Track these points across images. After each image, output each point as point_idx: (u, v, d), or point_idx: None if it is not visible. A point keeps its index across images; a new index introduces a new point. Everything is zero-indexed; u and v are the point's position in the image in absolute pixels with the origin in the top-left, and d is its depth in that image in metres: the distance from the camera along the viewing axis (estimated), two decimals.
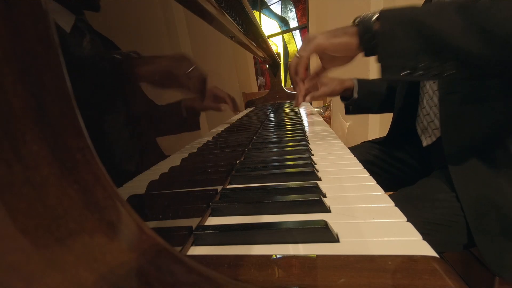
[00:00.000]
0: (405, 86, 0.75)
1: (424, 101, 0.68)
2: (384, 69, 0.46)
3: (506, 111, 0.53)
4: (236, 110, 0.83)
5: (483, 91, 0.54)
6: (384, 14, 0.45)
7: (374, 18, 0.46)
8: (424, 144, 0.69)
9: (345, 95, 0.85)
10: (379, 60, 0.46)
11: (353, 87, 0.84)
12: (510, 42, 0.39)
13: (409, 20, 0.43)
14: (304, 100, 0.68)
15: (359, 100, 0.83)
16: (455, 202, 0.53)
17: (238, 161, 0.51)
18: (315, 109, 1.23)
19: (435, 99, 0.63)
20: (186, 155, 0.42)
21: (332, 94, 0.84)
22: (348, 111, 0.90)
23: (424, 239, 0.24)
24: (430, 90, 0.66)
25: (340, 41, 0.50)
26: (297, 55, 0.56)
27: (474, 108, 0.55)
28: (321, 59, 0.59)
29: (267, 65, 1.64)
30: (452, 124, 0.58)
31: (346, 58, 0.54)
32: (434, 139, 0.66)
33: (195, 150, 0.47)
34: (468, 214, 0.50)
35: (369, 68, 1.78)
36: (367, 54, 0.49)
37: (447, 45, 0.41)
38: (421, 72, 0.44)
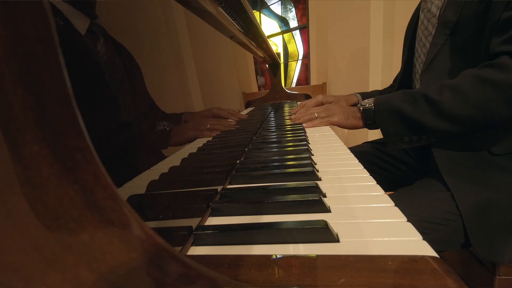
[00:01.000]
0: (400, 86, 0.82)
1: None
2: (389, 143, 0.64)
3: None
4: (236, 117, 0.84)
5: None
6: (376, 108, 0.66)
7: (372, 108, 0.67)
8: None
9: None
10: (384, 138, 0.65)
11: (358, 102, 0.95)
12: (462, 122, 0.55)
13: (392, 111, 0.62)
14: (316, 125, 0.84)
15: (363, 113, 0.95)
16: (452, 201, 0.53)
17: (238, 161, 0.51)
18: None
19: None
20: (186, 155, 0.42)
21: None
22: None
23: (422, 238, 0.24)
24: (416, 83, 0.73)
25: (351, 123, 0.73)
26: (315, 116, 0.80)
27: None
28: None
29: (267, 65, 1.64)
30: None
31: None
32: None
33: (195, 150, 0.47)
34: (463, 211, 0.51)
35: (369, 67, 1.78)
36: (371, 129, 0.71)
37: (421, 127, 0.59)
38: (416, 141, 0.61)
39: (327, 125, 0.77)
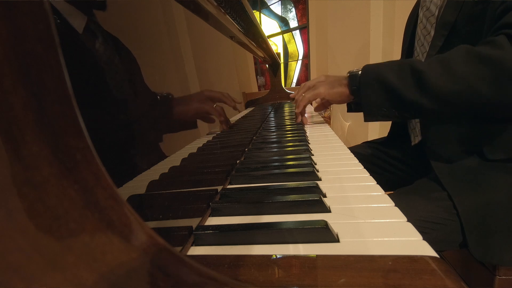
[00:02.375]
0: None
1: None
2: (365, 114, 0.61)
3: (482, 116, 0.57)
4: (236, 109, 0.85)
5: None
6: (363, 73, 0.61)
7: (359, 73, 0.62)
8: (412, 143, 0.74)
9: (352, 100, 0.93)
10: (362, 107, 0.61)
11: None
12: (446, 100, 0.52)
13: (377, 79, 0.58)
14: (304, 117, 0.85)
15: None
16: (451, 201, 0.53)
17: (238, 161, 0.51)
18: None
19: None
20: (186, 155, 0.42)
21: (339, 103, 0.94)
22: (350, 109, 0.94)
23: (422, 238, 0.24)
24: None
25: (336, 91, 0.68)
26: (301, 96, 0.75)
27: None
28: (320, 103, 0.79)
29: (267, 65, 1.64)
30: (431, 127, 0.63)
31: (340, 102, 0.72)
32: (420, 138, 0.70)
33: (195, 150, 0.47)
34: (461, 212, 0.51)
35: None
36: (356, 100, 0.65)
37: (403, 100, 0.55)
38: (394, 115, 0.58)
39: (315, 98, 0.73)
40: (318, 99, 0.86)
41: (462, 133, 0.59)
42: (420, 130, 0.67)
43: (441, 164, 0.59)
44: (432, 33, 0.65)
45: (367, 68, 0.61)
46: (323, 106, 0.82)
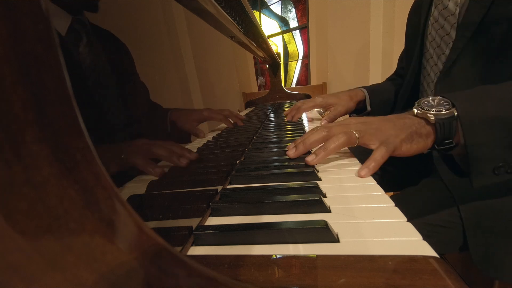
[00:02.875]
0: (407, 89, 0.73)
1: None
2: (476, 174, 0.40)
3: None
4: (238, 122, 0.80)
5: None
6: (464, 114, 0.38)
7: (452, 116, 0.39)
8: None
9: (358, 107, 0.82)
10: (469, 166, 0.40)
11: (364, 99, 0.80)
12: None
13: (498, 120, 0.37)
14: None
15: (372, 112, 0.80)
16: (453, 203, 0.53)
17: (238, 161, 0.51)
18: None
19: None
20: None
21: (347, 112, 0.80)
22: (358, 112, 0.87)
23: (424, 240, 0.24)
24: (429, 91, 0.66)
25: (417, 148, 0.42)
26: (356, 136, 0.44)
27: None
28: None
29: (267, 65, 1.64)
30: None
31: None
32: None
33: (195, 150, 0.47)
34: (464, 216, 0.51)
35: (369, 68, 1.78)
36: (444, 152, 0.43)
37: None
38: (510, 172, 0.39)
39: (387, 157, 0.42)
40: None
41: None
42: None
43: (446, 168, 0.56)
44: (453, 34, 0.56)
45: (467, 106, 0.39)
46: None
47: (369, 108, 0.80)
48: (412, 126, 0.42)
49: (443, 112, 0.40)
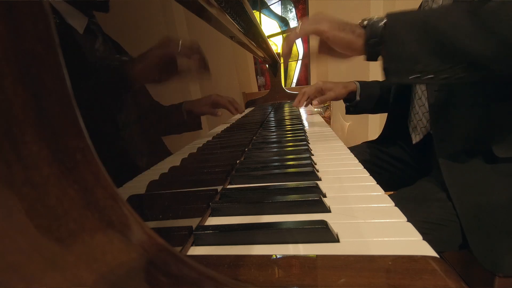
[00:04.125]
0: (399, 87, 0.78)
1: (414, 100, 0.70)
2: (391, 73, 0.46)
3: (494, 110, 0.54)
4: (237, 112, 0.86)
5: (471, 90, 0.55)
6: (391, 17, 0.45)
7: (382, 23, 0.46)
8: (414, 141, 0.72)
9: (348, 97, 0.92)
10: (386, 64, 0.46)
11: (356, 90, 0.90)
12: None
13: (418, 23, 0.43)
14: (308, 104, 0.80)
15: (360, 102, 0.90)
16: (450, 202, 0.53)
17: (238, 161, 0.51)
18: (315, 109, 1.23)
19: (424, 99, 0.66)
20: (186, 155, 0.42)
21: (337, 98, 0.92)
22: (348, 112, 0.97)
23: (422, 238, 0.24)
24: (419, 90, 0.68)
25: (344, 37, 0.50)
26: (297, 29, 0.54)
27: (462, 105, 0.56)
28: (320, 42, 0.59)
29: (267, 65, 1.63)
30: (442, 122, 0.59)
31: (343, 55, 0.55)
32: (421, 136, 0.68)
33: (195, 150, 0.47)
34: (460, 213, 0.51)
35: (369, 68, 1.78)
36: (369, 58, 0.49)
37: (456, 48, 0.41)
38: (431, 75, 0.43)
39: (314, 33, 0.54)
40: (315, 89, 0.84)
41: (472, 129, 0.56)
42: (430, 124, 0.63)
43: (446, 161, 0.57)
44: None
45: (396, 14, 0.46)
46: (323, 50, 0.69)
47: (358, 98, 0.90)
48: (348, 26, 0.51)
49: (374, 18, 0.48)
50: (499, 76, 0.45)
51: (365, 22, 0.49)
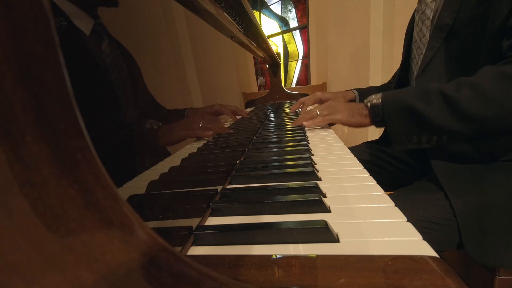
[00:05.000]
0: (398, 86, 0.81)
1: None
2: (395, 143, 0.58)
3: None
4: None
5: None
6: (384, 103, 0.59)
7: (380, 104, 0.60)
8: None
9: None
10: (390, 138, 0.59)
11: (354, 99, 0.96)
12: (480, 122, 0.50)
13: (403, 108, 0.56)
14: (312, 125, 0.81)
15: None
16: (448, 201, 0.54)
17: (238, 161, 0.51)
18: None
19: None
20: (186, 155, 0.42)
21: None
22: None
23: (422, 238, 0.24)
24: None
25: (356, 121, 0.66)
26: (317, 113, 0.74)
27: None
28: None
29: (267, 65, 1.64)
30: None
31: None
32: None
33: (195, 150, 0.47)
34: (457, 212, 0.51)
35: (369, 68, 1.78)
36: (379, 127, 0.64)
37: (434, 126, 0.53)
38: (425, 142, 0.56)
39: (329, 123, 0.74)
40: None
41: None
42: None
43: (441, 162, 0.59)
44: (428, 35, 0.66)
45: (389, 97, 0.59)
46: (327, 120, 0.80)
47: None
48: (356, 108, 0.67)
49: (373, 102, 0.62)
50: (477, 138, 0.56)
51: (368, 104, 0.63)
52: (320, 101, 0.96)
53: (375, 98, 0.61)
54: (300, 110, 1.01)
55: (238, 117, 0.83)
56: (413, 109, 0.54)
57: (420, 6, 0.68)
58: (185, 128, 0.47)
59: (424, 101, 0.54)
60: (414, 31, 0.72)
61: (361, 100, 0.93)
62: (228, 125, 0.75)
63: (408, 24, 0.79)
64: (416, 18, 0.70)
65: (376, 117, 0.61)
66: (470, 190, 0.53)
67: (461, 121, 0.51)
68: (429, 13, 0.65)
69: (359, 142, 0.92)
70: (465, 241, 0.51)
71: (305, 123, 0.76)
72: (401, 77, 0.80)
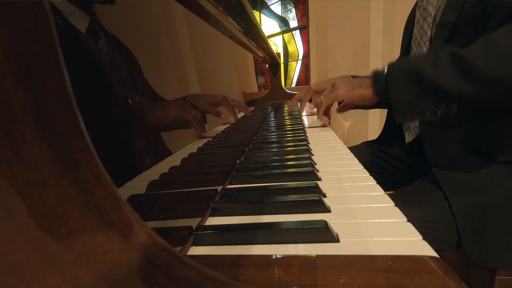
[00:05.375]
0: None
1: None
2: (397, 114, 0.53)
3: (485, 115, 0.56)
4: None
5: None
6: (389, 69, 0.54)
7: (385, 71, 0.55)
8: (407, 141, 0.74)
9: None
10: (393, 107, 0.54)
11: None
12: (493, 83, 0.44)
13: (408, 72, 0.51)
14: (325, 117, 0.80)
15: None
16: (447, 201, 0.54)
17: (238, 161, 0.51)
18: (315, 109, 1.23)
19: None
20: (186, 155, 0.42)
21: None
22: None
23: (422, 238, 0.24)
24: None
25: (357, 93, 0.62)
26: (321, 99, 0.72)
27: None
28: (339, 107, 0.72)
29: (267, 65, 1.64)
30: (431, 125, 0.62)
31: (363, 105, 0.66)
32: (414, 136, 0.70)
33: (195, 150, 0.47)
34: (455, 212, 0.51)
35: (369, 69, 1.78)
36: (383, 101, 0.59)
37: (442, 91, 0.48)
38: (429, 113, 0.50)
39: (333, 102, 0.70)
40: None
41: (462, 132, 0.58)
42: (420, 129, 0.67)
43: (439, 163, 0.59)
44: (429, 33, 0.65)
45: (394, 64, 0.55)
46: (346, 107, 0.77)
47: None
48: (358, 82, 0.63)
49: (377, 70, 0.57)
50: (489, 108, 0.51)
51: (372, 73, 0.59)
52: (315, 93, 0.92)
53: (380, 68, 0.58)
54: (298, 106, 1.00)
55: (239, 116, 0.83)
56: (420, 72, 0.49)
57: (421, 3, 0.67)
58: (177, 107, 0.44)
59: (432, 63, 0.48)
60: (415, 28, 0.70)
61: None
62: (229, 125, 0.75)
63: (408, 20, 0.78)
64: (417, 14, 0.68)
65: (378, 84, 0.56)
66: (469, 190, 0.53)
67: (472, 82, 0.45)
68: (431, 10, 0.63)
69: (359, 142, 0.92)
70: (463, 241, 0.51)
71: (314, 110, 0.76)
72: None
